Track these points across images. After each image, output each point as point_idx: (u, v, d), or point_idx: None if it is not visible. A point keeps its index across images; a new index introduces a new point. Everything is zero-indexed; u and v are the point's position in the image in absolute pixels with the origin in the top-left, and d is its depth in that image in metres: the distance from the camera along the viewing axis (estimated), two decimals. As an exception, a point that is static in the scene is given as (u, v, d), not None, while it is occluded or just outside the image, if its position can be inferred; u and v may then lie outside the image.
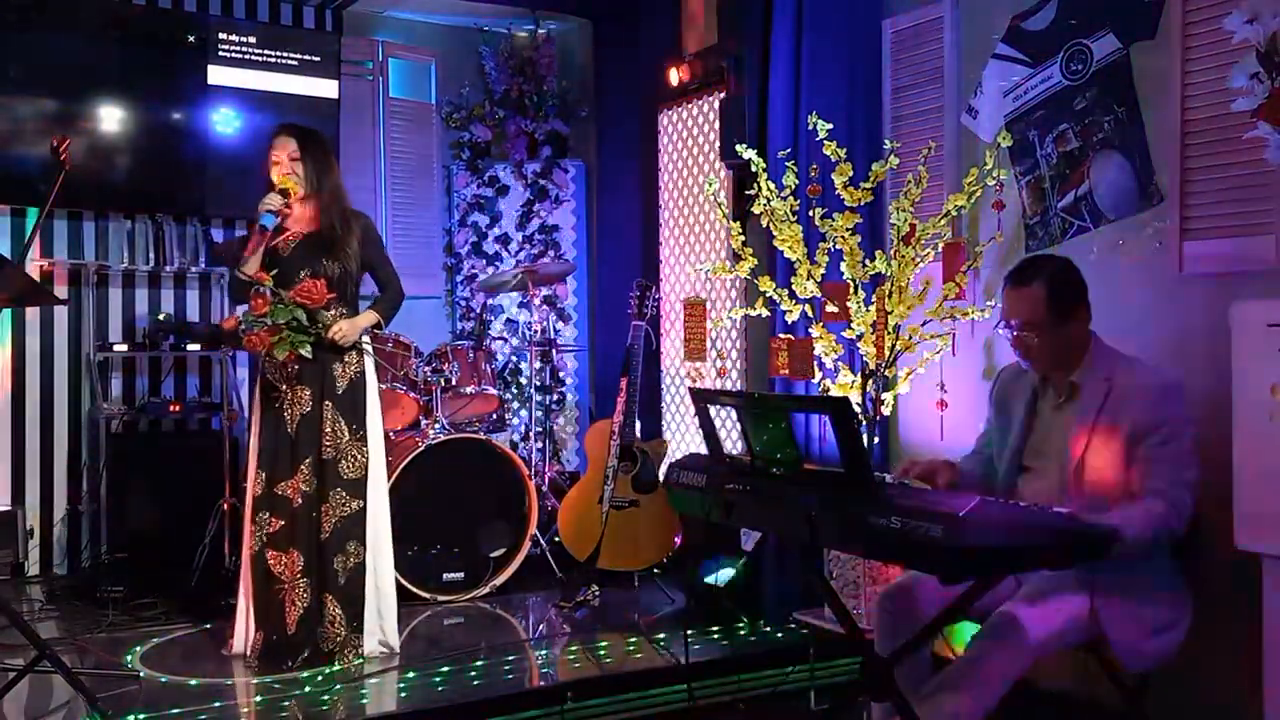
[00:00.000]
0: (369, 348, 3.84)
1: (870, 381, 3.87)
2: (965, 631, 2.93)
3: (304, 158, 3.72)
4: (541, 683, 3.50)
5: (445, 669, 3.58)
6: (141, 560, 4.75)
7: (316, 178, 3.74)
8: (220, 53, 5.38)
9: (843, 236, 3.82)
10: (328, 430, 3.68)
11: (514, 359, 6.01)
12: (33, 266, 5.04)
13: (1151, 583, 2.66)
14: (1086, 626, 2.61)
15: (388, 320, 3.88)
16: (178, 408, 5.18)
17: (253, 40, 5.46)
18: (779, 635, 3.93)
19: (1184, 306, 3.20)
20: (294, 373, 3.67)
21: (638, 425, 4.72)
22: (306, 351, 3.57)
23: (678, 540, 4.70)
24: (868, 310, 3.82)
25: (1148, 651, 2.65)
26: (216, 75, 5.37)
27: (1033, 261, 2.86)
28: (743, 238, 4.09)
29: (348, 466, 3.70)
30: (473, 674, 3.54)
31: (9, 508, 5.01)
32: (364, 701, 3.34)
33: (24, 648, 3.24)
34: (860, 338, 3.86)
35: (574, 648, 3.89)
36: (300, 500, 3.65)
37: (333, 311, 3.68)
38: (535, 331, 5.37)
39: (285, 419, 3.69)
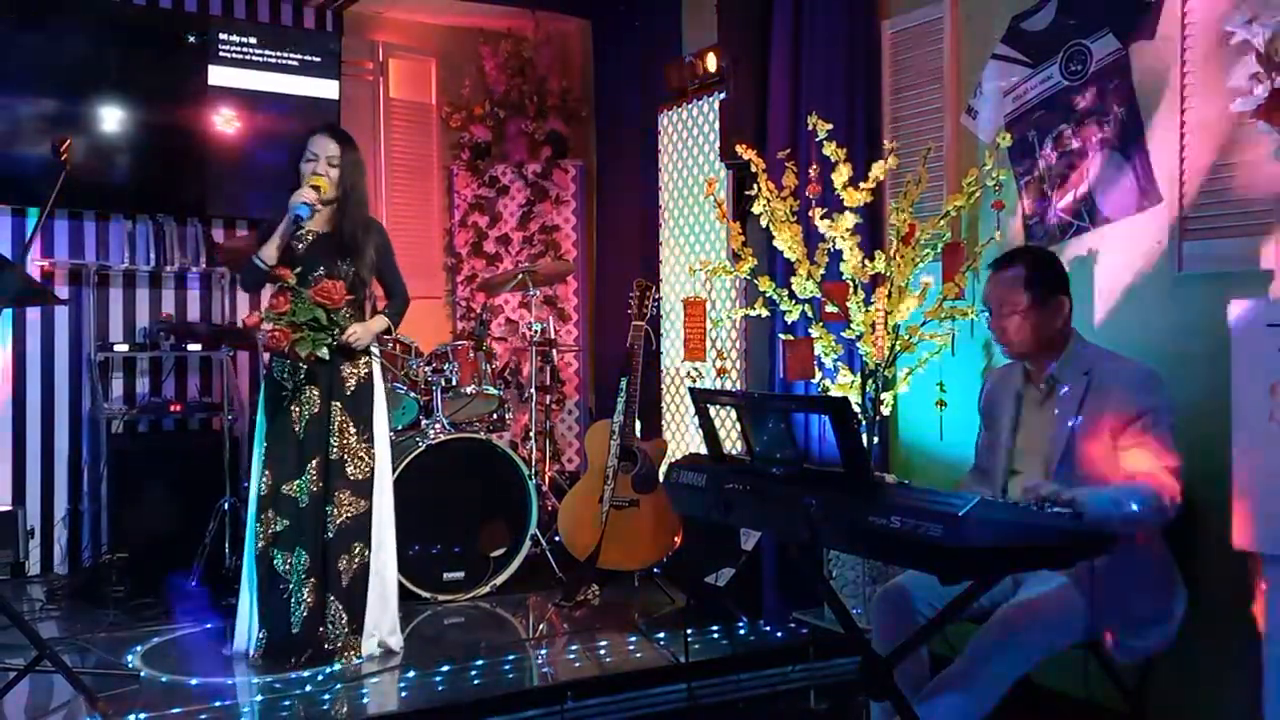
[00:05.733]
0: (376, 350, 3.87)
1: (870, 381, 3.87)
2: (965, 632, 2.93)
3: (341, 163, 3.76)
4: (541, 683, 3.50)
5: (445, 669, 3.58)
6: (142, 560, 4.75)
7: (348, 185, 3.77)
8: (220, 53, 5.39)
9: (842, 236, 3.82)
10: (335, 431, 3.70)
11: (514, 359, 6.01)
12: (33, 267, 5.04)
13: (1145, 573, 2.66)
14: (1086, 626, 2.62)
15: (397, 326, 3.96)
16: (178, 408, 5.19)
17: (253, 40, 5.47)
18: (779, 635, 3.93)
19: (1183, 306, 3.20)
20: (301, 373, 3.69)
21: (638, 425, 4.72)
22: (325, 353, 3.59)
23: (678, 540, 4.70)
24: (868, 310, 3.82)
25: (1142, 644, 2.66)
26: (217, 75, 5.38)
27: (1015, 249, 3.01)
28: (743, 238, 4.09)
29: (354, 468, 3.71)
30: (473, 674, 3.54)
31: (10, 507, 5.01)
32: (364, 701, 3.34)
33: (24, 647, 3.24)
34: (860, 338, 3.86)
35: (574, 648, 3.90)
36: (307, 500, 3.66)
37: (345, 313, 3.70)
38: (535, 331, 5.37)
39: (293, 419, 3.69)
